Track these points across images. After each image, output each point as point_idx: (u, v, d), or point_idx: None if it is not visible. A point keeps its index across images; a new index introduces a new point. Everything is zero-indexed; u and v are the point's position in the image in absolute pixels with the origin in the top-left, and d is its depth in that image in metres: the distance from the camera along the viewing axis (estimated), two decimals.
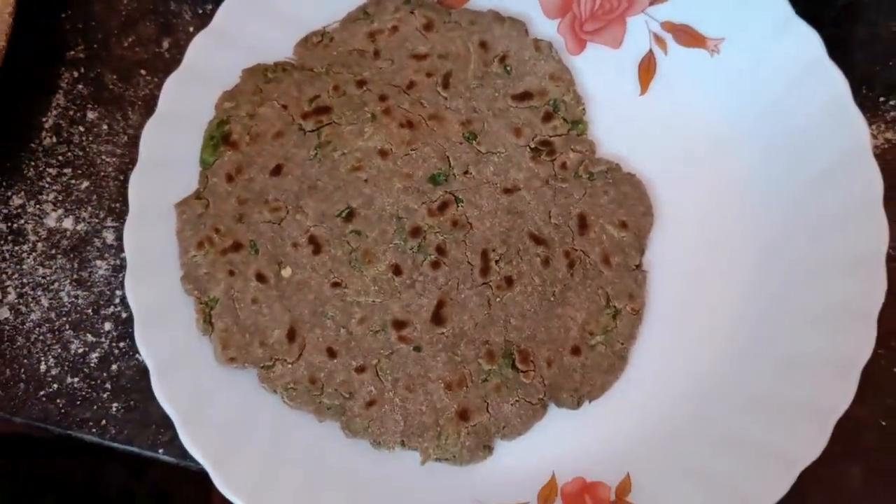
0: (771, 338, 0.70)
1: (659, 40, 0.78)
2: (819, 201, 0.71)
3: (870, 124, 0.74)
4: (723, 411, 0.70)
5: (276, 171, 0.75)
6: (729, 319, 0.72)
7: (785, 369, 0.69)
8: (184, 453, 0.68)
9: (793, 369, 0.68)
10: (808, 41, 0.72)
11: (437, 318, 0.71)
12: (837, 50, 0.71)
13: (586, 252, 0.73)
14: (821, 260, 0.70)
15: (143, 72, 0.84)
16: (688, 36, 0.77)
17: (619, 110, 0.78)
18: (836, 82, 0.71)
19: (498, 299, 0.72)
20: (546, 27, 0.80)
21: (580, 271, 0.73)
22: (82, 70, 0.84)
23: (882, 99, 0.79)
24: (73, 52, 0.85)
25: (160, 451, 0.75)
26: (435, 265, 0.72)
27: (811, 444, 0.65)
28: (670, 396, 0.71)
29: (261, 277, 0.73)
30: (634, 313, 0.72)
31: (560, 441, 0.71)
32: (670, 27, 0.78)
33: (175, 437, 0.67)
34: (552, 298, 0.72)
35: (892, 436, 0.73)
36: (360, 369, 0.71)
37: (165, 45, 0.84)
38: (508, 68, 0.78)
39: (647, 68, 0.78)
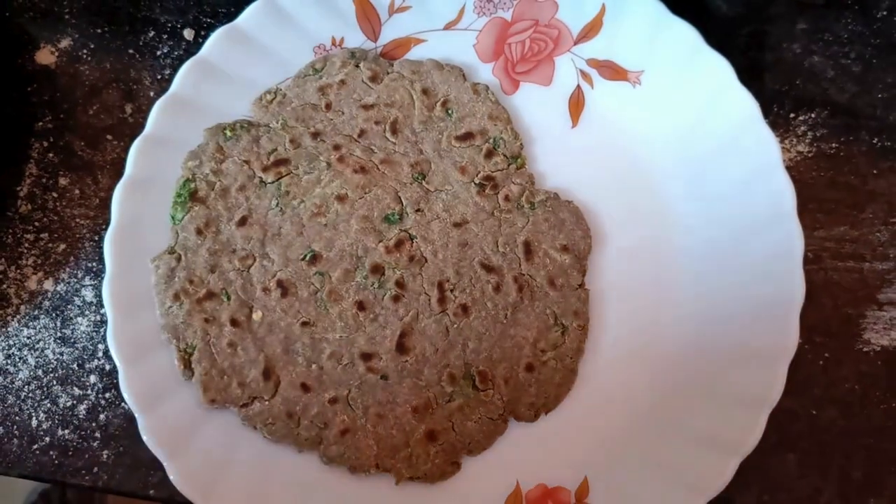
0: (707, 339, 0.77)
1: (585, 76, 0.85)
2: (739, 213, 0.78)
3: (782, 139, 0.83)
4: (668, 410, 0.76)
5: (242, 222, 0.80)
6: (667, 326, 0.79)
7: (722, 367, 0.76)
8: (174, 491, 0.72)
9: (728, 367, 0.75)
10: (718, 68, 0.78)
11: (401, 348, 0.77)
12: (747, 74, 0.78)
13: (533, 276, 0.79)
14: (745, 266, 0.77)
15: (109, 137, 0.88)
16: (611, 70, 0.84)
17: (554, 143, 0.84)
18: (746, 103, 0.77)
19: (455, 325, 0.78)
20: (482, 71, 0.86)
21: (528, 294, 0.79)
22: (51, 139, 0.88)
23: (792, 115, 0.86)
24: (41, 123, 0.89)
25: (151, 491, 0.79)
26: (395, 299, 0.78)
27: (750, 433, 0.71)
28: (619, 402, 0.78)
29: (234, 322, 0.78)
30: (580, 329, 0.78)
31: (521, 452, 0.77)
32: (595, 63, 0.84)
33: (164, 476, 0.72)
34: (505, 321, 0.78)
35: (822, 423, 0.80)
36: (333, 401, 0.76)
37: (129, 110, 0.89)
38: (450, 112, 0.84)
39: (576, 103, 0.85)
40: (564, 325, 0.78)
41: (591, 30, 0.84)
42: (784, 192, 0.76)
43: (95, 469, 0.80)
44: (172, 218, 0.80)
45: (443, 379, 0.77)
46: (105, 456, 0.80)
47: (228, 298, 0.78)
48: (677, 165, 0.82)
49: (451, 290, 0.78)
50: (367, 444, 0.76)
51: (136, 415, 0.73)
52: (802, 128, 0.85)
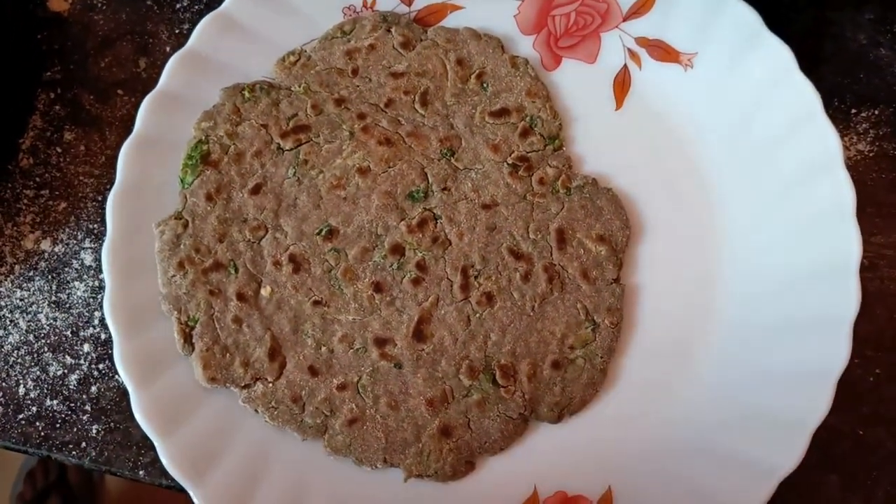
0: (749, 349, 0.71)
1: (633, 55, 0.79)
2: (793, 213, 0.72)
3: (841, 136, 0.76)
4: (703, 423, 0.70)
5: (256, 190, 0.75)
6: (707, 332, 0.73)
7: (763, 380, 0.70)
8: (166, 475, 0.68)
9: (771, 380, 0.69)
10: (778, 54, 0.73)
11: (418, 335, 0.72)
12: (806, 63, 0.72)
13: (565, 266, 0.74)
14: (796, 271, 0.71)
15: (120, 92, 0.84)
16: (661, 51, 0.78)
17: (595, 125, 0.79)
18: (806, 94, 0.72)
19: (478, 315, 0.72)
20: (522, 44, 0.81)
21: (559, 286, 0.73)
22: (59, 91, 0.84)
23: (854, 111, 0.80)
24: (49, 73, 0.84)
25: (141, 472, 0.74)
26: (415, 282, 0.73)
27: (790, 454, 0.66)
28: (651, 410, 0.72)
29: (241, 297, 0.73)
30: (613, 327, 0.73)
31: (541, 455, 0.72)
32: (644, 42, 0.79)
33: (156, 458, 0.67)
34: (531, 313, 0.73)
35: (869, 444, 0.74)
36: (342, 387, 0.71)
37: (143, 64, 0.84)
38: (485, 85, 0.78)
39: (621, 83, 0.79)
40: (596, 322, 0.73)
41: (643, 6, 0.78)
42: (843, 192, 0.70)
43: (83, 444, 0.75)
44: (181, 181, 0.75)
45: (461, 371, 0.71)
46: (94, 431, 0.75)
47: (236, 271, 0.73)
48: (728, 156, 0.76)
49: (476, 277, 0.73)
50: (376, 435, 0.70)
51: (130, 389, 0.68)
52: (864, 125, 0.80)
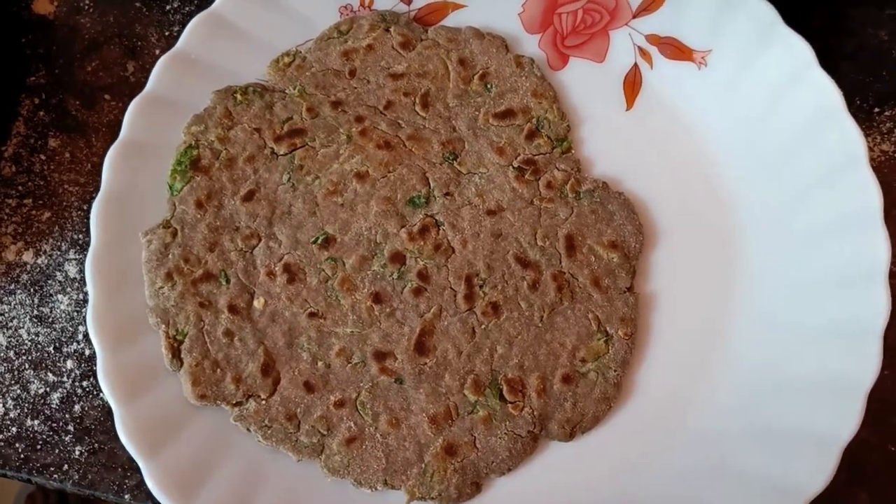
0: (772, 361, 0.67)
1: (644, 54, 0.75)
2: (815, 216, 0.68)
3: (864, 136, 0.72)
4: (724, 441, 0.66)
5: (248, 196, 0.71)
6: (728, 343, 0.69)
7: (788, 394, 0.66)
8: (152, 499, 0.63)
9: (796, 393, 0.65)
10: (797, 51, 0.70)
11: (420, 348, 0.68)
12: (825, 61, 0.69)
13: (574, 275, 0.70)
14: (820, 277, 0.67)
15: (107, 97, 0.80)
16: (674, 48, 0.75)
17: (605, 126, 0.75)
18: (827, 91, 0.69)
19: (483, 326, 0.68)
20: (527, 43, 0.77)
21: (569, 295, 0.69)
22: (43, 96, 0.80)
23: (877, 110, 0.76)
24: (33, 78, 0.81)
25: (126, 496, 0.70)
26: (417, 292, 0.69)
27: (819, 473, 0.62)
28: (668, 427, 0.68)
29: (233, 309, 0.69)
30: (627, 338, 0.68)
31: (552, 475, 0.67)
32: (655, 40, 0.75)
33: (142, 480, 0.63)
34: (540, 324, 0.68)
35: None
36: (339, 404, 0.67)
37: (131, 68, 0.81)
38: (489, 86, 0.75)
39: (632, 82, 0.75)
40: (609, 333, 0.69)
41: (654, 2, 0.75)
42: (869, 193, 0.67)
43: (65, 466, 0.71)
44: (170, 188, 0.72)
45: (466, 386, 0.67)
46: (78, 452, 0.71)
47: (228, 281, 0.69)
48: (745, 157, 0.72)
49: (481, 286, 0.69)
50: (376, 455, 0.66)
51: (114, 406, 0.64)
52: (888, 124, 0.76)
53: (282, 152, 0.73)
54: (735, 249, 0.71)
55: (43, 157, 0.79)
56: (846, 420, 0.62)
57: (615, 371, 0.68)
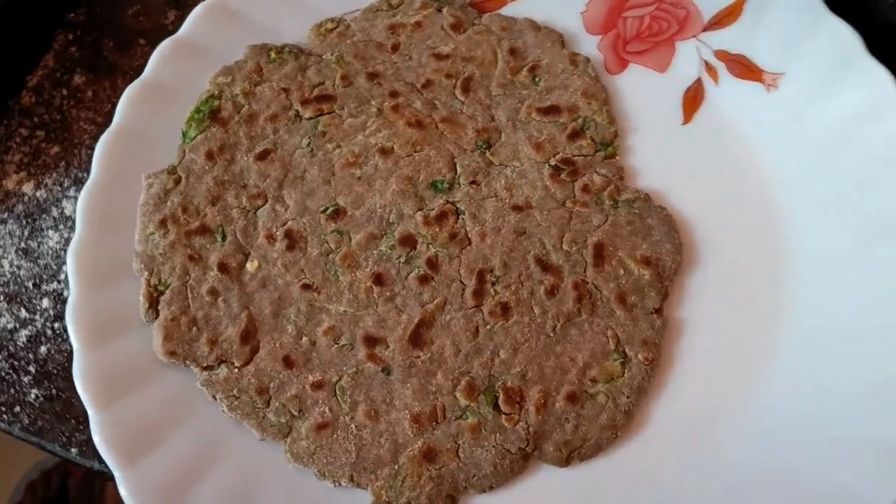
0: (812, 413, 0.58)
1: (710, 69, 0.69)
2: (880, 257, 0.60)
3: None
4: (746, 492, 0.57)
5: (263, 155, 0.67)
6: (763, 382, 0.61)
7: (828, 451, 0.57)
8: (99, 458, 0.57)
9: (838, 451, 0.56)
10: (879, 81, 0.64)
11: (415, 339, 0.61)
12: None
13: (599, 286, 0.62)
14: (872, 325, 0.59)
15: (142, 42, 0.77)
16: (743, 67, 0.69)
17: (657, 137, 0.69)
18: None
19: (489, 327, 0.61)
20: (586, 43, 0.72)
21: (589, 307, 0.62)
22: (79, 33, 0.78)
23: None
24: (73, 15, 0.78)
25: (73, 450, 0.64)
26: (423, 280, 0.63)
27: None
28: (680, 467, 0.59)
29: (223, 267, 0.63)
30: (647, 363, 0.61)
31: (538, 502, 0.59)
32: (724, 56, 0.69)
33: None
34: (552, 334, 0.61)
35: None
36: (317, 385, 0.60)
37: (171, 17, 0.78)
38: (537, 79, 0.70)
39: (693, 97, 0.69)
40: (627, 355, 0.61)
41: (728, 16, 0.70)
42: None
43: (17, 408, 0.66)
44: (183, 135, 0.68)
45: (458, 388, 0.60)
46: (33, 396, 0.66)
47: (224, 238, 0.64)
48: (807, 190, 0.65)
49: (493, 284, 0.63)
50: (346, 447, 0.59)
51: (75, 347, 0.60)
52: None
53: (307, 116, 0.68)
54: (782, 290, 0.63)
55: (65, 92, 0.75)
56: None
57: (628, 397, 0.60)
